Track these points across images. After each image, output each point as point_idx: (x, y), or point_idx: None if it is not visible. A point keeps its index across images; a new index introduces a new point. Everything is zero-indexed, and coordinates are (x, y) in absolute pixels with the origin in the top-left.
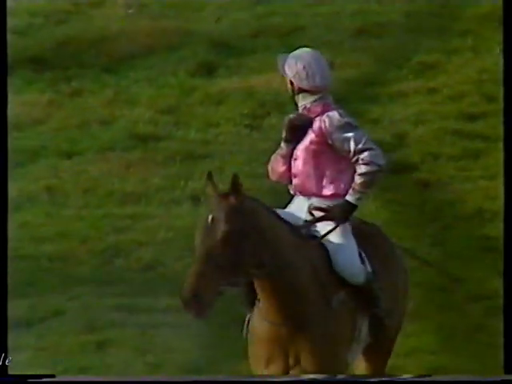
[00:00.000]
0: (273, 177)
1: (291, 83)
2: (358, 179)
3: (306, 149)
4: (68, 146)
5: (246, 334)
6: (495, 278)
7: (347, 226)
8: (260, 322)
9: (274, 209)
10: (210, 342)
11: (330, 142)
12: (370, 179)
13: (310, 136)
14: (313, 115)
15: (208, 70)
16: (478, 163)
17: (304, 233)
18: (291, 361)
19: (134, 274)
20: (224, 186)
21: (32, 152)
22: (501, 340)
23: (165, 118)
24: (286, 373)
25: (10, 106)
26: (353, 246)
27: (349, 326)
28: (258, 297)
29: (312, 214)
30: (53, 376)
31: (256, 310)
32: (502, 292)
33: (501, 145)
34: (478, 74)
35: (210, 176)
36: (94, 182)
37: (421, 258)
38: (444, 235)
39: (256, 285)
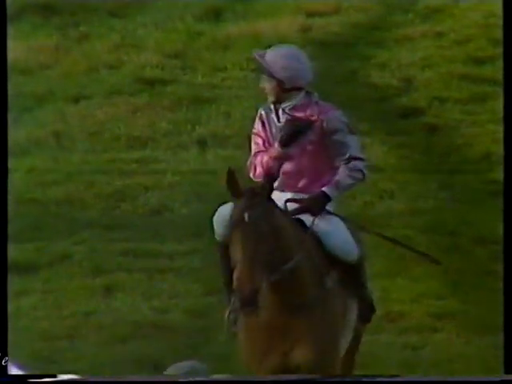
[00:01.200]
0: (257, 177)
1: (278, 83)
2: (343, 179)
3: (303, 149)
4: (75, 91)
5: (232, 331)
6: (502, 221)
7: (332, 215)
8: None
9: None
10: (217, 286)
11: (327, 142)
12: (353, 184)
13: (309, 137)
14: (309, 115)
15: (215, 15)
16: (485, 107)
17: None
18: (287, 347)
19: (141, 219)
20: (229, 131)
21: (39, 97)
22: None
23: (172, 63)
24: (283, 361)
25: (17, 51)
26: (341, 224)
27: (341, 309)
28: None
29: (287, 206)
30: (54, 376)
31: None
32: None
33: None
34: (485, 19)
35: (231, 173)
36: (100, 126)
37: (410, 248)
38: (451, 179)
39: None
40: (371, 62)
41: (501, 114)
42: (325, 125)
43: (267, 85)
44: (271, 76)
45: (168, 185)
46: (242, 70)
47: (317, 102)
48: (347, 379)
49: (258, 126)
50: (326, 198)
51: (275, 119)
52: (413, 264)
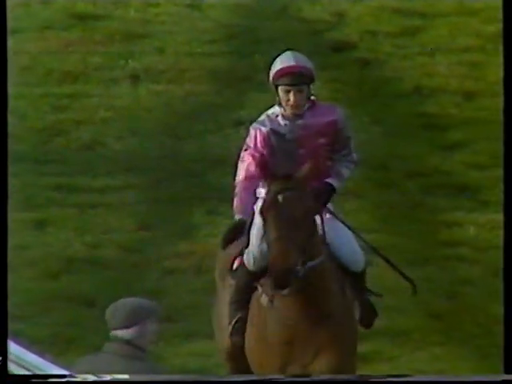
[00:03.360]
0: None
1: (308, 90)
2: (345, 172)
3: (316, 153)
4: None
5: (236, 341)
6: (434, 154)
7: (329, 215)
8: (276, 323)
9: None
10: (151, 222)
11: (336, 137)
12: (349, 177)
13: (324, 138)
14: (319, 111)
15: None
16: (416, 40)
17: None
18: (309, 359)
19: (73, 154)
20: (162, 65)
21: None
22: None
23: None
24: (303, 373)
25: None
26: (348, 232)
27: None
28: (269, 297)
29: None
30: (57, 376)
31: (267, 312)
32: (444, 168)
33: (439, 22)
34: None
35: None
36: (32, 60)
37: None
38: (383, 112)
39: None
40: None
41: (431, 47)
42: (338, 126)
43: (298, 96)
44: (308, 84)
45: (100, 120)
46: (176, 5)
47: (318, 103)
48: (348, 379)
49: (255, 147)
50: (332, 190)
51: (293, 133)
52: (344, 199)
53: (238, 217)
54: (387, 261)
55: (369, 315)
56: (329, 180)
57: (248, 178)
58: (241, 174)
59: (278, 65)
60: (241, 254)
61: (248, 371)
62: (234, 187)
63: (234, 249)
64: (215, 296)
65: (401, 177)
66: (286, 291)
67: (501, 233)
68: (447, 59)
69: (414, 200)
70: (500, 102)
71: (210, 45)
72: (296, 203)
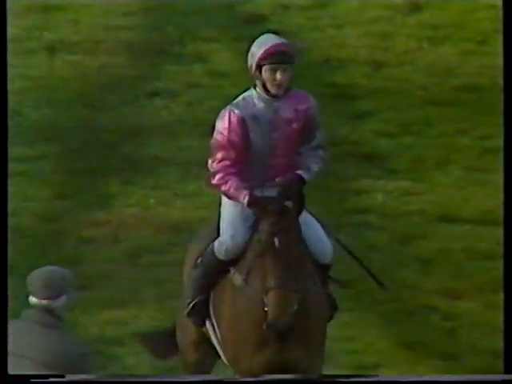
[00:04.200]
0: (214, 188)
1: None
2: (313, 166)
3: (289, 139)
4: None
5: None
6: (343, 124)
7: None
8: (249, 302)
9: None
10: (67, 192)
11: (306, 125)
12: (318, 173)
13: (298, 123)
14: (294, 98)
15: None
16: (326, 12)
17: None
18: (284, 343)
19: None
20: (78, 37)
21: None
22: None
23: None
24: (276, 358)
25: None
26: (316, 224)
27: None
28: (244, 277)
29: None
30: (56, 376)
31: (241, 292)
32: (353, 137)
33: None
34: None
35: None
36: None
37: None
38: (293, 83)
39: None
40: None
41: (340, 19)
42: (309, 112)
43: (283, 76)
44: (292, 63)
45: (18, 90)
46: None
47: (292, 89)
48: (348, 379)
49: (231, 133)
50: (302, 182)
51: (268, 115)
52: None
53: (250, 193)
54: (356, 259)
55: (330, 309)
56: (299, 172)
57: (230, 164)
58: (221, 161)
59: (262, 46)
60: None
61: (213, 358)
62: (212, 173)
63: (202, 244)
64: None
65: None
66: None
67: (408, 199)
68: (356, 31)
69: (324, 168)
70: (408, 71)
71: (126, 17)
72: (292, 247)
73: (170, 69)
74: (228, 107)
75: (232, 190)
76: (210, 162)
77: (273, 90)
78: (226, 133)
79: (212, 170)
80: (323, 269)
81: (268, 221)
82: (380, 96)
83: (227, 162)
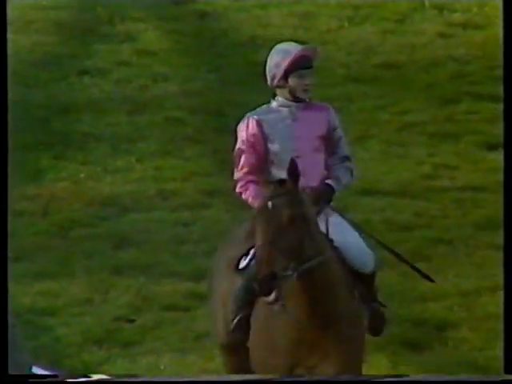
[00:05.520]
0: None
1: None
2: (342, 176)
3: (314, 147)
4: None
5: (238, 338)
6: (267, 101)
7: (336, 215)
8: (282, 323)
9: None
10: None
11: (329, 135)
12: (348, 185)
13: (320, 129)
14: (316, 107)
15: None
16: None
17: None
18: (315, 362)
19: None
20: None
21: None
22: None
23: None
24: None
25: None
26: (358, 237)
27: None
28: (282, 295)
29: None
30: (55, 376)
31: (274, 311)
32: None
33: None
34: None
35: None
36: None
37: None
38: (220, 62)
39: (298, 282)
40: None
41: (266, 1)
42: (330, 121)
43: (311, 80)
44: (313, 68)
45: None
46: None
47: (311, 100)
48: (348, 379)
49: (250, 138)
50: (332, 191)
51: (289, 120)
52: (184, 144)
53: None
54: (400, 257)
55: (376, 322)
56: (329, 182)
57: (250, 171)
58: (242, 168)
59: (286, 55)
60: (247, 254)
61: (243, 366)
62: (235, 180)
63: (239, 248)
64: (214, 286)
65: (236, 123)
66: (271, 297)
67: None
68: (280, 11)
69: None
70: (330, 50)
71: None
72: (284, 208)
73: (100, 48)
74: (248, 114)
75: (251, 199)
76: (234, 170)
77: (302, 95)
78: (245, 138)
79: (235, 177)
80: (366, 279)
81: (266, 189)
82: None
83: (247, 169)
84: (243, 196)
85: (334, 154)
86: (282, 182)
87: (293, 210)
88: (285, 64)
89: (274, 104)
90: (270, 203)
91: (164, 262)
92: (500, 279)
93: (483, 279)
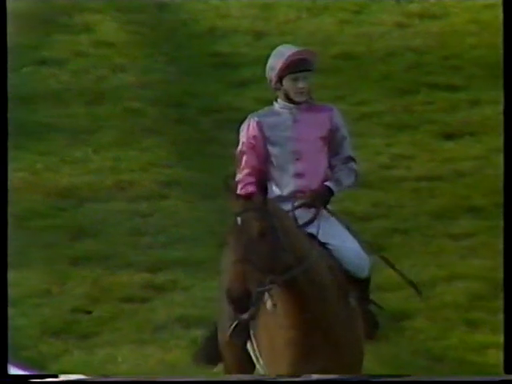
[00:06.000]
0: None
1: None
2: (343, 178)
3: (315, 147)
4: None
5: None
6: (226, 91)
7: (333, 219)
8: (277, 329)
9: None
10: None
11: (331, 135)
12: (350, 185)
13: (321, 131)
14: (318, 108)
15: None
16: None
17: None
18: (313, 366)
19: None
20: None
21: None
22: None
23: None
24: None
25: None
26: (355, 241)
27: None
28: (273, 302)
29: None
30: (55, 376)
31: (269, 316)
32: (236, 104)
33: None
34: None
35: (226, 181)
36: None
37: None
38: (178, 53)
39: (283, 290)
40: None
41: None
42: (332, 121)
43: (305, 83)
44: (311, 70)
45: None
46: None
47: (315, 101)
48: (349, 379)
49: (249, 138)
50: (330, 193)
51: (289, 122)
52: (142, 135)
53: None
54: (392, 267)
55: (370, 326)
56: (328, 183)
57: (251, 172)
58: (243, 170)
59: (281, 57)
60: None
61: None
62: (236, 182)
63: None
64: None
65: (194, 113)
66: (246, 315)
67: None
68: (239, 1)
69: (207, 135)
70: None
71: None
72: (253, 223)
73: (58, 38)
74: (250, 115)
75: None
76: (236, 171)
77: (296, 98)
78: (245, 139)
79: (236, 179)
80: (360, 284)
81: (235, 205)
82: (262, 64)
83: (248, 171)
84: (239, 192)
85: (337, 155)
86: (249, 196)
87: (262, 224)
88: (278, 67)
89: (276, 106)
90: (239, 219)
91: (121, 253)
92: (456, 268)
93: (439, 268)
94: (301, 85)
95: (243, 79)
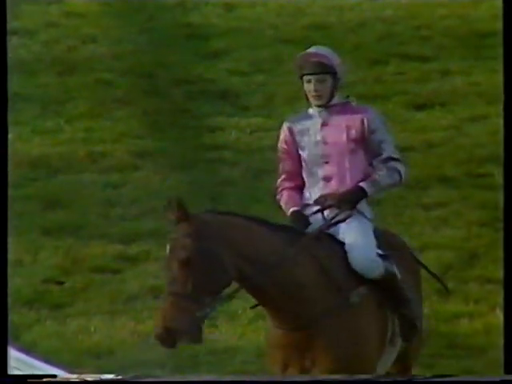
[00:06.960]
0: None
1: (334, 81)
2: (382, 178)
3: (346, 149)
4: None
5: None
6: (198, 63)
7: (367, 222)
8: (271, 328)
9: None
10: None
11: (366, 141)
12: (392, 185)
13: (353, 132)
14: (350, 109)
15: None
16: None
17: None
18: (308, 364)
19: None
20: None
21: None
22: None
23: None
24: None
25: None
26: (370, 241)
27: (375, 325)
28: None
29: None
30: (54, 376)
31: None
32: (208, 76)
33: None
34: None
35: (169, 203)
36: None
37: (438, 279)
38: (150, 24)
39: (252, 296)
40: None
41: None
42: (365, 123)
43: (319, 86)
44: (331, 72)
45: None
46: None
47: (353, 104)
48: (348, 379)
49: (283, 144)
50: (363, 193)
51: (318, 126)
52: (114, 106)
53: (292, 210)
54: (424, 267)
55: (406, 329)
56: (361, 184)
57: (286, 178)
58: (280, 175)
59: (299, 57)
60: None
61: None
62: (276, 188)
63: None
64: None
65: (166, 84)
66: (169, 347)
67: (261, 135)
68: None
69: (179, 106)
70: (259, 12)
71: None
72: (178, 252)
73: (28, 8)
74: (285, 119)
75: (284, 205)
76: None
77: (314, 102)
78: (279, 145)
79: (277, 184)
80: (381, 284)
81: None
82: (233, 35)
83: (284, 176)
84: (280, 203)
85: (378, 156)
86: (184, 219)
87: (185, 253)
88: (295, 66)
89: (310, 109)
90: (167, 247)
91: (93, 223)
92: (428, 238)
93: (411, 239)
94: (312, 87)
95: (215, 50)
